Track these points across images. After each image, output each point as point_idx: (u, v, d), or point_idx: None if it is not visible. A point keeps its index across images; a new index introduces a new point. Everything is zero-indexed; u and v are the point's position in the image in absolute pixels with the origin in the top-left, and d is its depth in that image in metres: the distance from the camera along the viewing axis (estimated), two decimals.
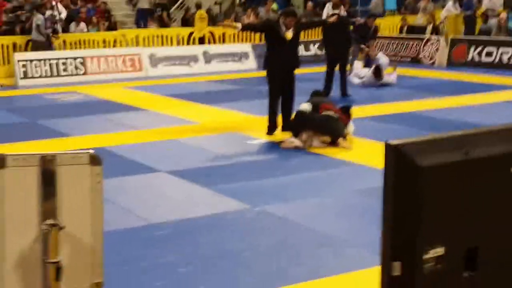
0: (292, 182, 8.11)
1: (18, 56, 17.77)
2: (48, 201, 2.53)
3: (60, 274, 2.48)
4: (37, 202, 2.52)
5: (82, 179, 2.53)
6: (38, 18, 18.35)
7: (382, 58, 16.20)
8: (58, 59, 18.04)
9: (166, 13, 22.90)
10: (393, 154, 2.50)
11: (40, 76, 17.65)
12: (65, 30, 19.75)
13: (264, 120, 10.66)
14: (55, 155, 2.53)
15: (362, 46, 16.48)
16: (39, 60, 17.75)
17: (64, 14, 19.67)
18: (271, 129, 10.50)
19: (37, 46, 18.22)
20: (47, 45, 18.30)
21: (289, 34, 10.52)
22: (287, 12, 10.82)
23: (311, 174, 8.48)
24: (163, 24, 22.08)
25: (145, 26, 21.96)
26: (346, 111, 10.20)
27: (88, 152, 2.59)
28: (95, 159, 2.55)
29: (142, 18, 22.29)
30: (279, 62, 10.51)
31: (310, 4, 24.17)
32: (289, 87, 10.56)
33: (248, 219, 6.78)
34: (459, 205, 2.55)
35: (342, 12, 16.94)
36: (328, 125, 9.69)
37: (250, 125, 11.33)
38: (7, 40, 18.79)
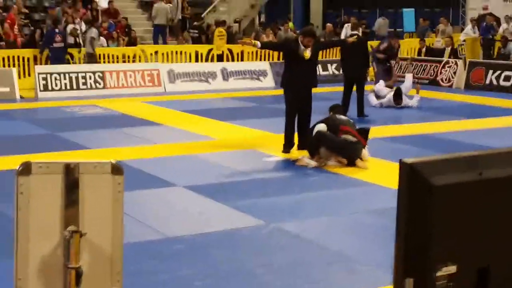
0: (307, 200, 8.15)
1: (39, 69, 17.98)
2: (70, 208, 2.59)
3: (80, 280, 2.55)
4: (60, 209, 2.59)
5: (104, 187, 2.60)
6: (93, 32, 19.21)
7: (407, 81, 16.21)
8: (78, 72, 18.23)
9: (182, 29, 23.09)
10: (408, 172, 2.55)
11: (60, 89, 17.83)
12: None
13: (280, 138, 10.72)
14: (78, 164, 2.60)
15: (389, 63, 16.49)
16: (59, 73, 17.94)
17: (84, 28, 19.93)
18: (287, 147, 10.55)
19: (90, 58, 19.02)
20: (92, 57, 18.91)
21: (307, 53, 10.58)
22: (306, 32, 10.90)
23: (326, 192, 8.52)
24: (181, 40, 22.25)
25: (164, 42, 22.12)
26: (364, 133, 10.22)
27: (110, 162, 2.66)
28: (117, 169, 2.61)
29: (159, 34, 22.43)
30: (296, 81, 10.58)
31: (329, 25, 24.28)
32: (306, 106, 10.62)
33: (263, 235, 6.82)
34: (472, 224, 2.58)
35: (360, 33, 17.06)
36: (346, 150, 9.71)
37: (267, 142, 11.39)
38: (28, 52, 19.03)
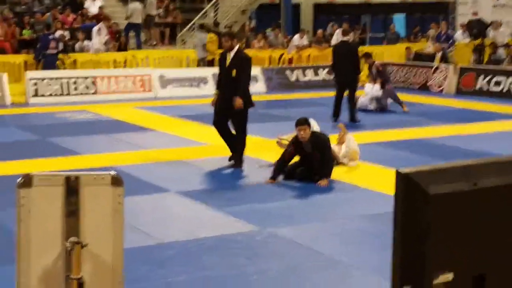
0: (301, 205, 8.18)
1: (30, 74, 17.94)
2: (71, 220, 2.61)
3: None
4: (61, 220, 2.60)
5: (104, 199, 2.61)
6: (204, 37, 20.68)
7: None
8: (69, 78, 18.21)
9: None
10: (404, 181, 2.58)
11: (51, 95, 17.80)
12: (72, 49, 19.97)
13: (273, 143, 10.74)
14: (79, 176, 2.62)
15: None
16: (50, 78, 17.91)
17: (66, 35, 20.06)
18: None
19: (201, 62, 20.53)
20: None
21: (228, 60, 10.10)
22: (223, 33, 10.71)
23: (320, 197, 8.55)
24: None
25: (138, 42, 22.22)
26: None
27: (110, 174, 2.68)
28: (117, 181, 2.63)
29: (129, 31, 22.32)
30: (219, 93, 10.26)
31: (319, 31, 24.34)
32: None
33: (257, 241, 6.84)
34: (468, 232, 2.61)
35: (352, 39, 17.05)
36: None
37: (259, 147, 11.41)
38: (19, 58, 18.99)
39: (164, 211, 8.02)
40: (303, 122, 9.13)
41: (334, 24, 25.97)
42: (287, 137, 9.82)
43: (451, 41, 22.39)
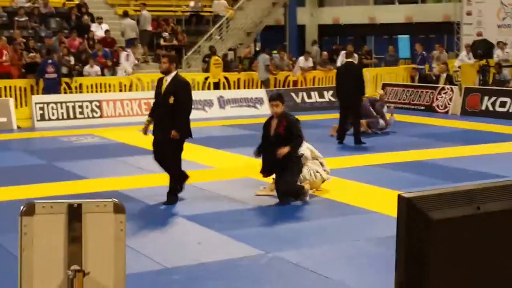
0: (306, 228, 8.17)
1: (36, 98, 18.03)
2: (73, 247, 2.62)
3: None
4: (63, 248, 2.61)
5: (106, 226, 2.62)
6: (266, 59, 21.31)
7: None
8: (75, 102, 18.29)
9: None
10: (406, 206, 2.59)
11: (57, 119, 17.88)
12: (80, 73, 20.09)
13: None
14: (81, 204, 2.63)
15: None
16: (56, 102, 18.00)
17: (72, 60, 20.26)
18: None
19: (265, 84, 21.16)
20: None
21: (164, 86, 9.38)
22: (163, 54, 10.43)
23: (325, 220, 8.54)
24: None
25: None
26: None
27: (113, 201, 2.69)
28: (119, 208, 2.65)
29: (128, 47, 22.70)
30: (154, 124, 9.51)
31: (325, 53, 24.43)
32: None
33: (261, 265, 6.83)
34: (470, 256, 2.61)
35: (356, 60, 17.09)
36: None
37: None
38: (24, 82, 19.09)
39: (169, 235, 8.02)
40: (275, 98, 9.44)
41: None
42: (265, 191, 9.76)
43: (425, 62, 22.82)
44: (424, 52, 23.28)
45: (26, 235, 2.56)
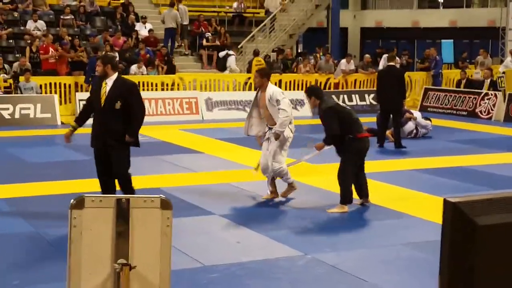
0: (346, 231, 8.15)
1: (80, 95, 18.28)
2: (121, 242, 2.66)
3: None
4: (111, 242, 2.66)
5: (153, 222, 2.66)
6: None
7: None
8: None
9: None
10: (451, 211, 2.57)
11: None
12: (127, 71, 20.29)
13: (318, 168, 10.71)
14: (129, 199, 2.67)
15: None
16: None
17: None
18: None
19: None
20: None
21: (103, 92, 8.38)
22: (98, 57, 9.77)
23: (365, 224, 8.51)
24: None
25: (173, 44, 23.46)
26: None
27: (160, 197, 2.73)
28: (166, 204, 2.68)
29: (169, 37, 23.50)
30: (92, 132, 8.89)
31: (367, 55, 24.30)
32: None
33: (299, 266, 6.83)
34: None
35: (398, 64, 16.98)
36: None
37: (304, 172, 11.40)
38: (70, 80, 19.38)
39: (208, 233, 8.06)
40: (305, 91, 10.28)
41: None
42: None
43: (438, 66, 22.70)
44: (437, 56, 23.09)
45: (76, 227, 2.61)
